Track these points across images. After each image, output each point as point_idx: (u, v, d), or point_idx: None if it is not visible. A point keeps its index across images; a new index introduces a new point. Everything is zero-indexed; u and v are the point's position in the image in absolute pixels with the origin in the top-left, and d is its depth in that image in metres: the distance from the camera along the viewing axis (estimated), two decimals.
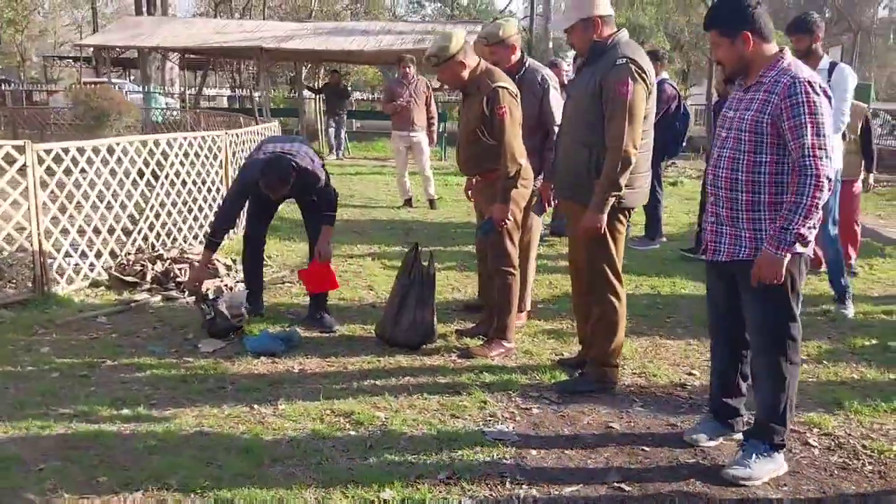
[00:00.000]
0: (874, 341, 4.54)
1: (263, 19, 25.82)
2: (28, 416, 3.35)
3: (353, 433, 3.27)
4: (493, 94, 3.93)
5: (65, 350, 4.23)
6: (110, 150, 5.66)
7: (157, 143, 6.08)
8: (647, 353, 4.35)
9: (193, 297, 5.04)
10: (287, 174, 4.38)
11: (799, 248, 2.76)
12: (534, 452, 3.12)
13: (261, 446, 3.12)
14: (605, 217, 3.48)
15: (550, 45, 30.10)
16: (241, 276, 5.73)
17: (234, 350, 4.29)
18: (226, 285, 5.49)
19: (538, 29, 26.36)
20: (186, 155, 6.33)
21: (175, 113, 16.99)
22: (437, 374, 3.97)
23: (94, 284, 5.46)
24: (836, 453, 3.14)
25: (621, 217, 3.63)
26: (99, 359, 4.10)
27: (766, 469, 2.90)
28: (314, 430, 3.28)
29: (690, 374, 4.05)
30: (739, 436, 3.15)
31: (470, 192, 4.61)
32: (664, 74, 7.77)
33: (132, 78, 29.40)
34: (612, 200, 3.46)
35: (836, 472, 2.99)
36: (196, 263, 5.71)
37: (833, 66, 4.91)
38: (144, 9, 24.17)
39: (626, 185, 3.47)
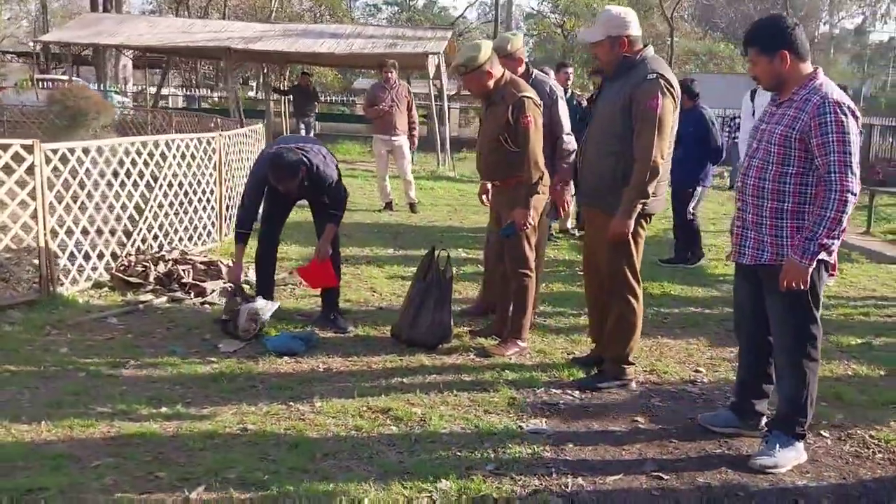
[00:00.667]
0: (859, 340, 4.84)
1: (223, 18, 25.64)
2: (68, 415, 3.38)
3: (394, 429, 3.38)
4: (519, 104, 4.09)
5: (84, 350, 4.24)
6: (113, 151, 5.65)
7: (156, 144, 6.08)
8: (653, 353, 4.56)
9: (226, 292, 5.19)
10: (296, 168, 4.45)
11: (823, 256, 2.98)
12: (570, 445, 3.28)
13: (308, 441, 3.22)
14: (632, 223, 3.67)
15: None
16: (244, 276, 5.81)
17: (255, 350, 4.35)
18: (228, 286, 5.53)
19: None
20: (184, 156, 6.34)
21: (131, 112, 16.72)
22: (460, 372, 4.11)
23: (97, 285, 5.45)
24: (847, 443, 3.38)
25: (643, 222, 3.83)
26: (121, 359, 4.13)
27: (790, 457, 3.11)
28: (356, 425, 3.39)
29: (697, 371, 4.27)
30: (755, 431, 3.37)
31: (484, 197, 4.75)
32: None
33: (78, 75, 28.73)
34: (639, 208, 3.65)
35: (850, 459, 3.22)
36: (200, 265, 5.76)
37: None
38: (101, 6, 23.70)
39: (657, 193, 3.69)
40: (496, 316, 4.73)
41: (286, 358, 4.23)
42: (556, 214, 4.74)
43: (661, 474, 3.04)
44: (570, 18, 26.68)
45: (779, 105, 3.10)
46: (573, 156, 4.70)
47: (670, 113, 3.63)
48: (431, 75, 14.73)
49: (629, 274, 3.83)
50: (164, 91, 29.58)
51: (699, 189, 6.98)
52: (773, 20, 3.16)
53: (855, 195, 2.92)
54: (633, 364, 4.02)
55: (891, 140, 16.36)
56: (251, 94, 25.10)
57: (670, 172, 7.43)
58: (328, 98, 25.84)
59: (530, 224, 4.23)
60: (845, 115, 2.91)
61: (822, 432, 3.46)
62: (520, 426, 3.44)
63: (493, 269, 4.93)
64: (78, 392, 3.65)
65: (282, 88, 17.85)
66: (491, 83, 4.19)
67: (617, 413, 3.66)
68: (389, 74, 9.38)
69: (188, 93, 28.99)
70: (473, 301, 5.40)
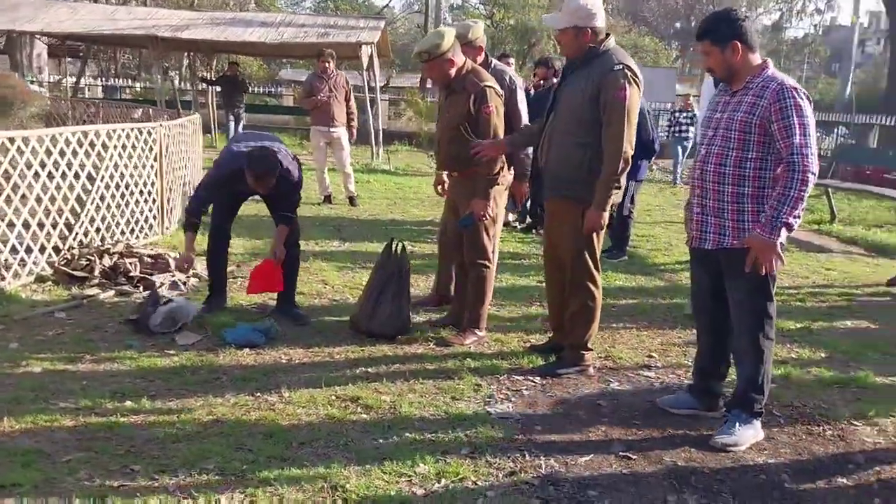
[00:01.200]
0: (799, 325, 5.10)
1: (145, 5, 24.84)
2: (30, 411, 3.29)
3: (366, 416, 3.41)
4: (482, 94, 4.14)
5: (35, 346, 4.11)
6: (53, 141, 5.46)
7: (97, 135, 5.90)
8: (607, 340, 4.70)
9: (175, 286, 5.15)
10: (275, 167, 4.42)
11: (785, 234, 3.14)
12: (539, 428, 3.38)
13: (282, 431, 3.22)
14: (606, 214, 3.76)
15: None
16: (190, 269, 5.70)
17: (213, 343, 4.30)
18: (178, 279, 5.44)
19: (431, 29, 26.70)
20: (125, 147, 6.17)
21: (48, 103, 16.04)
22: (423, 361, 4.16)
23: (40, 279, 5.26)
24: (799, 421, 3.58)
25: (606, 215, 3.90)
26: (76, 354, 4.02)
27: (748, 435, 3.28)
28: (328, 414, 3.40)
29: (650, 356, 4.44)
30: (713, 412, 3.53)
31: (440, 188, 4.79)
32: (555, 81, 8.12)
33: None
34: (613, 198, 3.74)
35: (803, 436, 3.42)
36: (147, 258, 5.63)
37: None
38: None
39: (617, 185, 3.78)
40: (453, 306, 4.80)
41: (247, 350, 4.19)
42: (514, 207, 4.81)
43: (628, 454, 3.17)
44: (499, 10, 26.77)
45: (733, 94, 3.24)
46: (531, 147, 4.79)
47: (636, 103, 3.73)
48: (365, 65, 14.65)
49: (591, 263, 3.94)
50: (82, 81, 28.49)
51: (632, 184, 7.09)
52: (725, 13, 3.30)
53: (815, 175, 3.07)
54: (592, 350, 4.14)
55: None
56: (175, 84, 24.34)
57: None
58: (255, 88, 25.35)
59: (489, 215, 4.30)
60: (802, 99, 3.08)
61: (774, 412, 3.65)
62: (488, 411, 3.52)
63: (448, 260, 4.99)
64: (36, 388, 3.54)
65: (209, 78, 17.46)
66: (453, 71, 4.23)
67: (579, 398, 3.77)
68: (327, 64, 9.27)
69: (108, 83, 27.93)
70: (427, 292, 5.44)
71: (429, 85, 26.58)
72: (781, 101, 3.06)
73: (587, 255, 3.91)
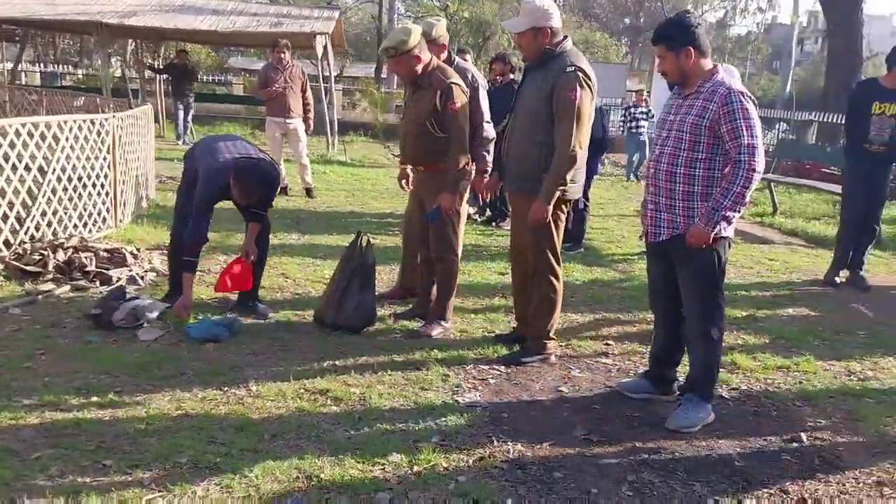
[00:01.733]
0: (744, 313, 5.33)
1: None
2: None
3: (336, 408, 3.47)
4: (448, 90, 4.22)
5: None
6: (3, 133, 5.34)
7: (48, 126, 5.79)
8: (567, 330, 4.83)
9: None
10: (264, 180, 4.51)
11: (724, 226, 3.31)
12: (505, 415, 3.49)
13: (253, 424, 3.26)
14: (551, 208, 3.88)
15: None
16: (148, 264, 5.67)
17: (176, 338, 4.29)
18: (136, 274, 5.40)
19: (385, 19, 26.65)
20: (77, 139, 6.08)
21: None
22: (390, 352, 4.23)
23: None
24: (747, 404, 3.77)
25: (563, 207, 4.05)
26: (35, 351, 3.98)
27: (701, 418, 3.45)
28: (298, 407, 3.45)
29: (608, 344, 4.59)
30: (668, 396, 3.70)
31: (405, 182, 4.86)
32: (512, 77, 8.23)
33: None
34: (558, 193, 3.87)
35: (751, 418, 3.61)
36: (103, 252, 5.56)
37: None
38: None
39: (576, 179, 3.92)
40: (419, 298, 4.87)
41: (211, 345, 4.20)
42: (475, 201, 4.91)
43: (590, 437, 3.31)
44: (453, 2, 26.75)
45: (685, 98, 3.40)
46: (493, 143, 4.89)
47: (588, 104, 3.83)
48: (319, 55, 14.55)
49: (551, 256, 4.06)
50: (18, 67, 27.59)
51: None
52: (680, 19, 3.44)
53: (759, 174, 3.26)
54: (554, 339, 4.26)
55: None
56: (123, 72, 23.75)
57: None
58: (204, 77, 24.95)
59: (456, 209, 4.38)
60: (748, 102, 3.26)
61: (724, 395, 3.84)
62: (456, 400, 3.62)
63: (412, 253, 5.06)
64: None
65: (157, 67, 17.12)
66: (419, 68, 4.30)
67: (542, 384, 3.90)
68: (282, 55, 9.20)
69: (47, 69, 27.11)
70: (390, 286, 5.50)
71: (384, 75, 26.59)
72: (729, 104, 3.23)
73: (547, 249, 4.03)
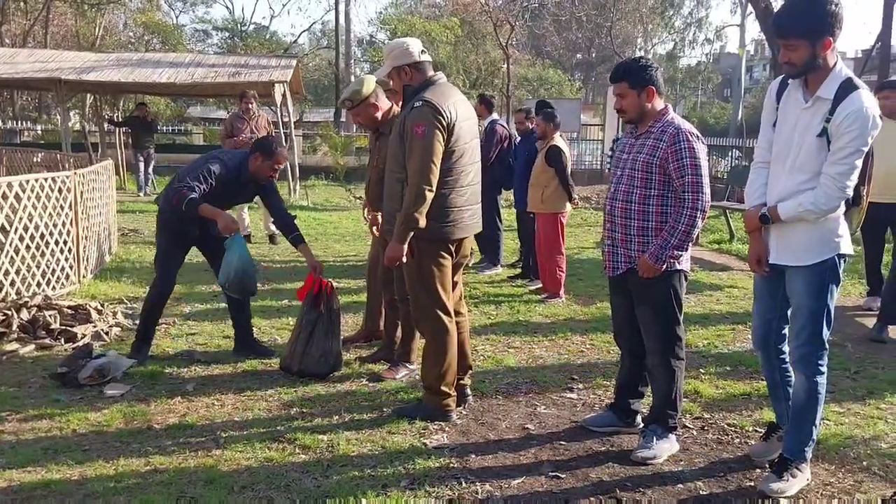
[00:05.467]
0: (705, 341, 5.46)
1: (44, 47, 24.13)
2: None
3: (304, 457, 3.50)
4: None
5: None
6: None
7: (10, 186, 5.80)
8: (530, 364, 4.93)
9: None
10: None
11: (674, 262, 3.45)
12: (473, 456, 3.54)
13: (222, 476, 3.27)
14: (404, 247, 3.74)
15: (352, 78, 30.67)
16: (112, 319, 5.65)
17: (144, 392, 4.30)
18: (101, 330, 5.38)
19: (342, 64, 26.94)
20: (38, 198, 6.08)
21: None
22: (356, 397, 4.27)
23: None
24: (710, 432, 3.87)
25: (443, 250, 3.86)
26: (2, 412, 3.96)
27: (665, 448, 3.54)
28: (266, 457, 3.47)
29: (572, 379, 4.67)
30: (632, 428, 3.78)
31: (374, 228, 4.93)
32: (494, 116, 8.47)
33: None
34: (410, 232, 3.71)
35: (714, 446, 3.70)
36: (67, 310, 5.53)
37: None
38: None
39: (444, 219, 3.76)
40: (384, 341, 4.92)
41: (179, 398, 4.21)
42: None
43: (558, 474, 3.36)
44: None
45: (637, 137, 3.55)
46: None
47: (437, 140, 3.66)
48: (279, 103, 14.70)
49: (431, 302, 3.86)
50: None
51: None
52: (642, 60, 3.61)
53: (704, 212, 3.41)
54: (451, 395, 3.96)
55: (707, 157, 17.96)
56: (82, 126, 23.68)
57: (514, 195, 7.92)
58: (163, 127, 24.92)
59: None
60: (695, 142, 3.41)
61: (687, 424, 3.93)
62: (424, 443, 3.66)
63: (377, 296, 5.12)
64: None
65: (116, 119, 17.12)
66: (379, 115, 4.43)
67: (509, 423, 3.96)
68: (249, 105, 9.31)
69: (5, 125, 26.89)
70: (355, 329, 5.55)
71: (342, 119, 26.79)
72: (676, 143, 3.38)
73: (423, 294, 3.87)
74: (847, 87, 2.95)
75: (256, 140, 4.82)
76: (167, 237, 4.81)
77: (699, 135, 3.48)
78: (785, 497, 3.14)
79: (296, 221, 4.97)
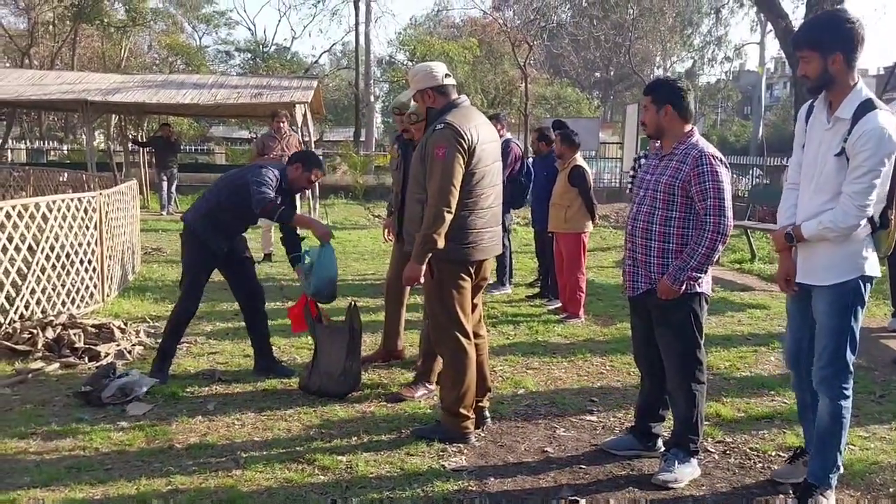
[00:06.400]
0: (727, 363, 5.41)
1: (71, 69, 24.58)
2: None
3: (323, 478, 3.51)
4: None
5: None
6: None
7: (37, 207, 5.90)
8: (549, 386, 4.91)
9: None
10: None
11: (694, 284, 3.44)
12: (492, 479, 3.53)
13: (242, 497, 3.29)
14: (422, 268, 3.76)
15: (372, 98, 31.03)
16: (135, 338, 5.71)
17: (165, 411, 4.34)
18: (124, 348, 5.44)
19: (361, 85, 27.17)
20: (65, 218, 6.18)
21: None
22: (375, 418, 4.28)
23: None
24: (732, 456, 3.83)
25: (463, 272, 3.86)
26: (26, 430, 4.01)
27: (687, 472, 3.51)
28: (286, 478, 3.49)
29: (591, 401, 4.65)
30: (653, 452, 3.76)
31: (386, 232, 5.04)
32: (508, 135, 8.50)
33: None
34: (429, 253, 3.73)
35: (736, 470, 3.66)
36: (91, 328, 5.61)
37: None
38: None
39: (463, 241, 3.78)
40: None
41: (200, 417, 4.25)
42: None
43: (577, 498, 3.34)
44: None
45: (661, 158, 3.57)
46: None
47: (457, 162, 3.69)
48: (300, 123, 14.85)
49: (450, 324, 3.86)
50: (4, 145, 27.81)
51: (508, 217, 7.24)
52: (670, 80, 3.67)
53: (726, 236, 3.41)
54: (468, 418, 3.94)
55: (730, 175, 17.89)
56: (108, 146, 24.07)
57: (532, 214, 7.92)
58: (186, 147, 25.27)
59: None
60: (718, 165, 3.42)
61: (709, 448, 3.90)
62: (442, 465, 3.66)
63: (395, 317, 5.14)
64: None
65: (141, 140, 17.38)
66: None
67: (528, 445, 3.95)
68: (281, 124, 9.43)
69: (33, 145, 27.40)
70: (374, 348, 5.57)
71: (362, 138, 27.00)
72: (700, 167, 3.40)
73: (444, 316, 3.87)
74: (865, 108, 3.00)
75: (297, 151, 4.94)
76: (196, 254, 4.83)
77: (723, 159, 3.48)
78: None
79: (303, 243, 5.02)
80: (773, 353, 5.70)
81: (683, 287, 3.42)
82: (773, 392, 4.80)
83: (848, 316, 3.12)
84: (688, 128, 3.54)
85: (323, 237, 4.71)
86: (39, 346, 5.29)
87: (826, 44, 3.01)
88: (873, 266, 3.16)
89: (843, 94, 3.05)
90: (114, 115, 18.40)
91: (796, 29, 3.65)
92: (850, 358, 3.13)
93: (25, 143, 27.38)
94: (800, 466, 3.44)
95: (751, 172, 18.66)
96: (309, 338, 5.72)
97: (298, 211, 9.01)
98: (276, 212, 4.58)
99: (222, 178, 4.98)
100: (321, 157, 4.72)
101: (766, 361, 5.53)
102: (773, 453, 3.85)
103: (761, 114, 25.85)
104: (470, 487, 3.42)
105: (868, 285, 3.15)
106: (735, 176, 17.62)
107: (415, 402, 4.51)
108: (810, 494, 3.16)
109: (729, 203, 3.41)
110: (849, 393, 3.16)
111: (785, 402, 4.58)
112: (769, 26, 24.30)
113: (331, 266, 4.73)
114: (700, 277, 3.46)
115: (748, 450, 3.90)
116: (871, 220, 3.07)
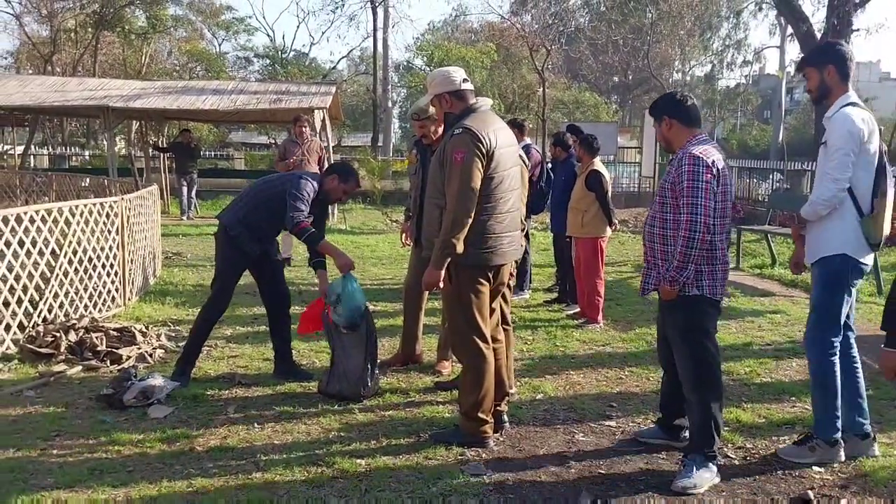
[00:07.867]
0: (747, 369, 5.36)
1: (93, 76, 24.86)
2: (8, 492, 3.32)
3: (342, 480, 3.53)
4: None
5: (7, 427, 4.13)
6: (18, 220, 5.52)
7: (60, 212, 5.98)
8: (568, 391, 4.90)
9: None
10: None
11: (690, 286, 3.49)
12: (511, 482, 3.53)
13: (261, 499, 3.31)
14: (441, 273, 3.75)
15: (390, 103, 31.13)
16: (157, 341, 5.77)
17: (186, 414, 4.38)
18: (145, 352, 5.49)
19: (379, 90, 27.27)
20: (87, 222, 6.26)
21: None
22: (394, 421, 4.29)
23: (5, 358, 5.27)
24: (752, 462, 3.81)
25: (481, 276, 3.85)
26: (50, 432, 4.06)
27: (706, 478, 3.49)
28: (306, 480, 3.51)
29: (610, 405, 4.64)
30: (682, 443, 3.80)
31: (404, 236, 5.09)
32: (527, 140, 8.49)
33: None
34: (448, 258, 3.73)
35: (757, 476, 3.64)
36: (113, 332, 5.68)
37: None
38: None
39: (482, 246, 3.77)
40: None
41: (220, 420, 4.28)
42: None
43: (597, 502, 3.34)
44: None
45: (669, 163, 3.69)
46: None
47: (475, 167, 3.68)
48: (318, 129, 14.94)
49: (469, 329, 3.85)
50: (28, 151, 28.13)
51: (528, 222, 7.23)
52: (667, 95, 3.82)
53: (697, 234, 3.40)
54: (488, 422, 3.95)
55: (748, 180, 17.74)
56: (128, 151, 24.34)
57: (551, 219, 7.91)
58: (206, 152, 25.48)
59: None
60: (697, 165, 3.43)
61: (729, 454, 3.88)
62: (461, 469, 3.66)
63: (413, 321, 5.16)
64: (13, 469, 3.58)
65: (161, 145, 17.55)
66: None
67: (547, 450, 3.94)
68: (303, 129, 9.50)
69: (55, 151, 27.75)
70: (392, 352, 5.59)
71: (380, 143, 27.08)
72: (680, 167, 3.49)
73: (462, 322, 3.86)
74: (842, 105, 3.62)
75: (336, 163, 4.96)
76: (230, 256, 4.88)
77: (707, 161, 3.46)
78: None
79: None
80: (795, 359, 5.65)
81: (676, 287, 3.49)
82: (793, 398, 4.76)
83: (827, 290, 3.65)
84: (692, 133, 3.61)
85: (343, 268, 4.72)
86: (62, 349, 5.36)
87: (821, 60, 3.71)
88: (858, 250, 3.62)
89: (834, 100, 3.67)
90: (135, 121, 18.60)
91: (817, 34, 4.34)
92: (830, 332, 3.65)
93: (48, 149, 27.76)
94: (805, 450, 3.73)
95: (771, 177, 18.47)
96: (327, 342, 5.77)
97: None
98: (304, 234, 4.63)
99: (260, 182, 5.02)
100: (326, 166, 4.78)
101: (786, 367, 5.48)
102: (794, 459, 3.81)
103: (781, 118, 25.68)
104: (489, 491, 3.42)
105: (854, 268, 3.63)
106: (755, 181, 17.50)
107: (434, 406, 4.52)
108: (807, 441, 3.73)
109: (704, 202, 3.41)
110: (834, 359, 3.67)
111: (806, 409, 4.53)
112: (789, 29, 24.18)
113: (357, 296, 4.72)
114: (682, 276, 3.47)
115: (769, 456, 3.87)
116: (857, 207, 3.57)
